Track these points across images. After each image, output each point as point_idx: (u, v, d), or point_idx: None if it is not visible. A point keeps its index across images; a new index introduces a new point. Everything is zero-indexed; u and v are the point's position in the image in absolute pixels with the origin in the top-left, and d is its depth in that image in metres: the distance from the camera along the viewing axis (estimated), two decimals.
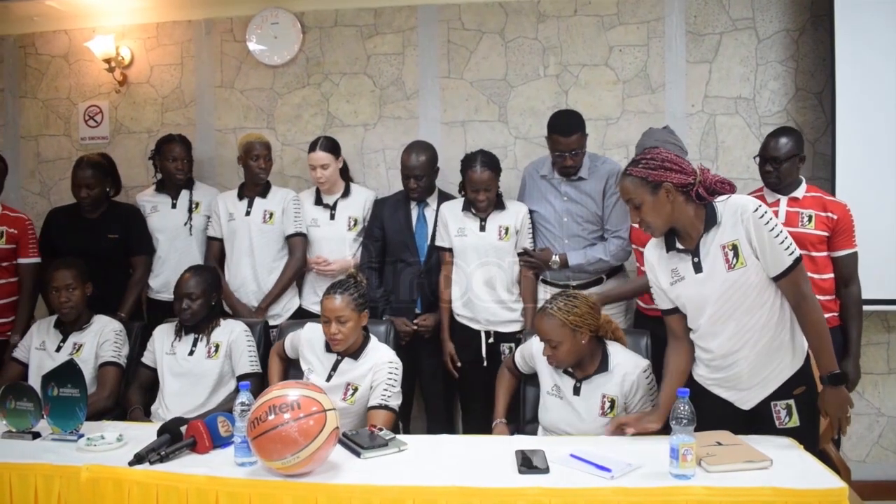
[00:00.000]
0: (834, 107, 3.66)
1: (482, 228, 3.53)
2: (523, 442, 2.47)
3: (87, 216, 3.76)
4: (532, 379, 2.96)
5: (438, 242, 3.62)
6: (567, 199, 3.53)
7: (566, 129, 3.43)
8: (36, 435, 2.60)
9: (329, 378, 2.89)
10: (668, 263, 2.51)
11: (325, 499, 2.12)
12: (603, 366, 2.72)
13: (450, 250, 3.58)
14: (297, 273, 3.84)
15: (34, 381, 3.15)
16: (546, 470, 2.18)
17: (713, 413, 2.45)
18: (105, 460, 2.34)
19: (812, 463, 2.24)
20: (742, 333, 2.42)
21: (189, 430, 2.42)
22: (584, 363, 2.73)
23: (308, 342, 3.01)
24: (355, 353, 2.91)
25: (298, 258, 3.83)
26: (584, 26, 4.06)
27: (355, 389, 2.85)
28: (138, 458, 2.28)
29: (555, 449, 2.33)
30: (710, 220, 2.39)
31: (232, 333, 3.21)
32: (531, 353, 2.90)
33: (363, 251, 3.79)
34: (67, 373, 2.64)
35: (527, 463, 2.22)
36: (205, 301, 3.19)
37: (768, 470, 2.14)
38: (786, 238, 2.34)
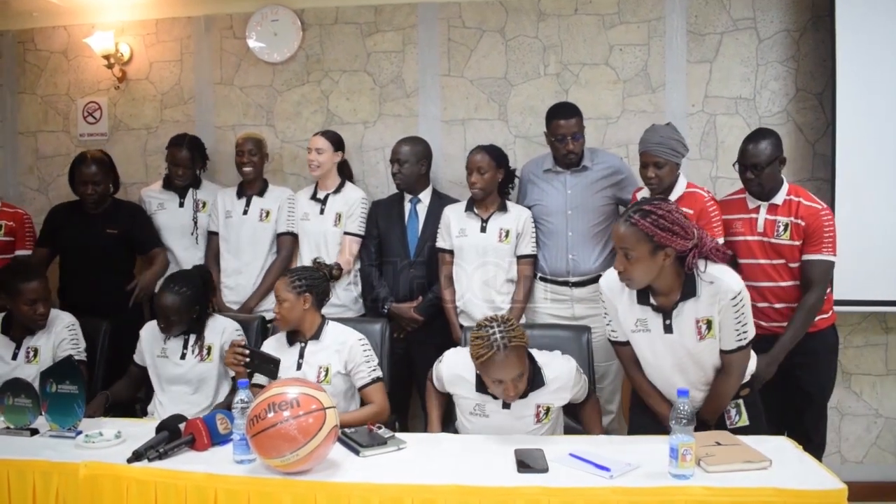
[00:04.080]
0: (834, 107, 3.65)
1: (483, 230, 3.55)
2: (522, 441, 2.46)
3: (89, 211, 3.76)
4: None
5: (439, 244, 3.65)
6: (572, 192, 3.54)
7: (566, 112, 3.51)
8: (34, 431, 2.60)
9: (299, 367, 2.91)
10: (634, 311, 2.53)
11: (324, 497, 2.13)
12: (538, 380, 2.62)
13: (450, 252, 3.60)
14: (282, 272, 3.84)
15: None
16: (545, 469, 2.18)
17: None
18: (103, 457, 2.34)
19: (811, 464, 2.25)
20: (691, 382, 2.54)
21: (188, 427, 2.42)
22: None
23: (270, 349, 2.97)
24: (315, 335, 2.96)
25: (285, 257, 3.88)
26: (584, 25, 4.05)
27: (327, 370, 2.89)
28: (137, 455, 2.28)
29: (554, 448, 2.33)
30: (689, 292, 2.42)
31: (224, 334, 3.16)
32: (441, 379, 2.82)
33: (363, 250, 3.84)
34: (65, 369, 2.63)
35: (526, 462, 2.22)
36: (186, 315, 3.06)
37: (767, 470, 2.14)
38: (745, 325, 2.44)
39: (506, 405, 2.64)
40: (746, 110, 3.94)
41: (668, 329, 2.47)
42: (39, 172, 4.57)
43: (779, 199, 3.12)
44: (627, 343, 2.63)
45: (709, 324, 2.43)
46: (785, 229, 3.08)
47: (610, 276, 2.58)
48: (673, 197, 3.23)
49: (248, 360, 2.78)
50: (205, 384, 3.11)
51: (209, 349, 3.13)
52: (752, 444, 2.29)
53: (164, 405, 3.09)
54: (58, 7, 4.44)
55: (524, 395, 2.60)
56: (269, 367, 2.78)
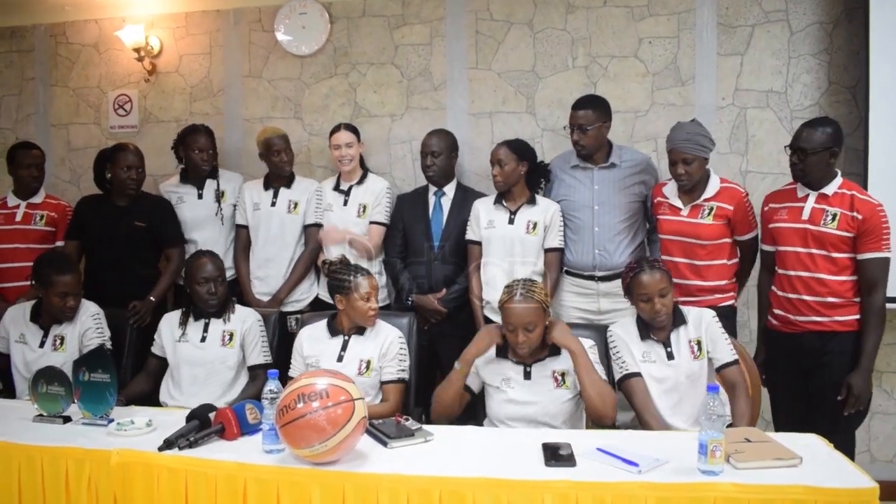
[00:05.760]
0: (867, 101, 3.59)
1: (511, 221, 3.55)
2: (549, 435, 2.46)
3: (117, 203, 3.80)
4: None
5: (468, 236, 3.66)
6: (599, 188, 3.53)
7: (580, 103, 3.54)
8: (67, 419, 2.64)
9: (340, 359, 2.96)
10: (641, 347, 2.89)
11: (352, 487, 2.14)
12: (555, 348, 2.81)
13: (479, 244, 3.61)
14: (312, 263, 3.92)
15: (18, 376, 3.20)
16: (573, 463, 2.18)
17: None
18: (135, 445, 2.37)
19: (842, 461, 2.22)
20: (693, 406, 2.82)
21: (217, 416, 2.45)
22: (537, 352, 2.81)
23: (308, 341, 3.05)
24: (361, 328, 3.01)
25: (313, 249, 3.90)
26: (613, 17, 4.02)
27: (368, 364, 2.95)
28: (167, 444, 2.31)
29: (581, 442, 2.32)
30: (679, 320, 2.89)
31: (245, 323, 3.23)
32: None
33: (388, 242, 3.86)
34: (98, 358, 2.67)
35: (553, 455, 2.22)
36: (224, 284, 3.24)
37: (798, 468, 2.12)
38: (729, 342, 2.88)
39: (527, 375, 2.79)
40: (778, 104, 3.89)
41: (670, 356, 2.85)
42: (71, 164, 4.64)
43: (829, 189, 3.04)
44: (638, 374, 2.85)
45: (699, 344, 2.85)
46: (833, 219, 2.99)
47: (617, 324, 3.01)
48: (708, 194, 3.24)
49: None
50: (222, 369, 3.16)
51: (231, 335, 3.19)
52: (783, 441, 2.27)
53: (178, 388, 3.16)
54: (89, 1, 4.50)
55: (541, 360, 2.81)
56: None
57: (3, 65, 4.74)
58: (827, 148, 3.01)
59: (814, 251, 3.03)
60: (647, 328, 2.88)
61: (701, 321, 2.87)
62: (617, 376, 2.88)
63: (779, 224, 3.13)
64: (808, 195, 3.08)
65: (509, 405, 2.80)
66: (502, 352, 2.84)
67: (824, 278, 3.02)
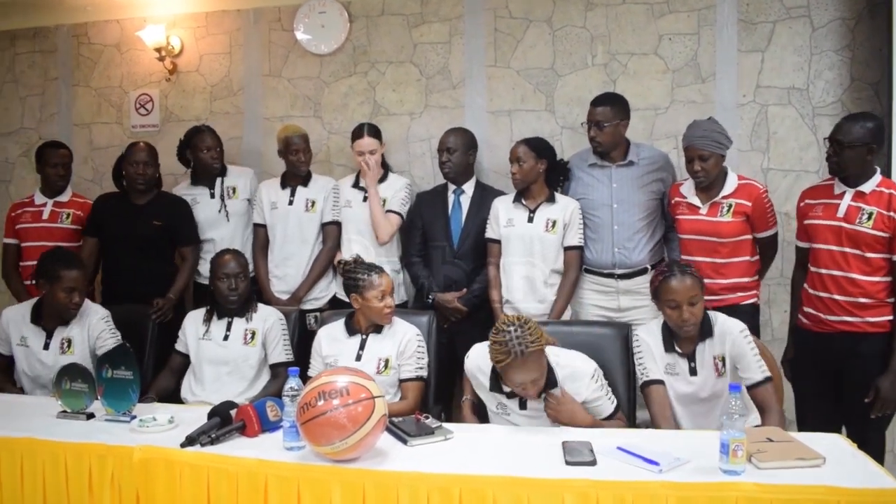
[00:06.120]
0: (891, 97, 3.55)
1: (530, 220, 3.54)
2: (569, 433, 2.45)
3: (135, 202, 3.83)
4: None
5: (488, 234, 3.65)
6: (617, 185, 3.52)
7: (597, 100, 3.53)
8: (90, 415, 2.67)
9: (358, 357, 2.97)
10: (665, 358, 2.78)
11: (372, 484, 2.14)
12: (552, 378, 2.60)
13: (498, 242, 3.60)
14: (330, 261, 3.92)
15: (24, 378, 3.20)
16: (593, 462, 2.17)
17: None
18: (157, 441, 2.39)
19: (866, 462, 2.19)
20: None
21: (239, 413, 2.46)
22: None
23: (327, 340, 3.06)
24: (379, 327, 3.01)
25: (331, 247, 3.90)
26: (632, 14, 4.00)
27: (386, 362, 2.96)
28: (189, 440, 2.33)
29: (601, 441, 2.31)
30: (706, 332, 2.72)
31: (267, 321, 3.25)
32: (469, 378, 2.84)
33: (408, 240, 3.87)
34: (121, 356, 2.69)
35: (574, 454, 2.21)
36: (247, 281, 3.26)
37: (821, 468, 2.10)
38: (759, 356, 2.69)
39: (523, 405, 2.65)
40: (799, 101, 3.85)
41: (693, 372, 2.73)
42: (93, 163, 4.69)
43: (867, 187, 2.97)
44: (660, 382, 2.75)
45: (724, 361, 2.70)
46: (869, 218, 2.92)
47: (643, 328, 2.88)
48: (727, 191, 3.21)
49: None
50: (244, 367, 3.18)
51: (253, 334, 3.21)
52: (806, 441, 2.25)
53: (201, 387, 3.17)
54: (110, 1, 4.55)
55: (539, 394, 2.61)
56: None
57: (26, 65, 4.80)
58: (865, 143, 2.93)
59: (847, 250, 2.98)
60: (673, 338, 2.75)
61: (726, 337, 2.68)
62: (639, 381, 2.81)
63: (813, 221, 3.08)
64: (844, 192, 3.01)
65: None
66: (495, 387, 2.66)
67: (857, 278, 2.97)
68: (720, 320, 2.73)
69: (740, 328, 2.70)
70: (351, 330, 3.04)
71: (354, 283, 2.99)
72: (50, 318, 3.18)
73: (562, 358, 2.67)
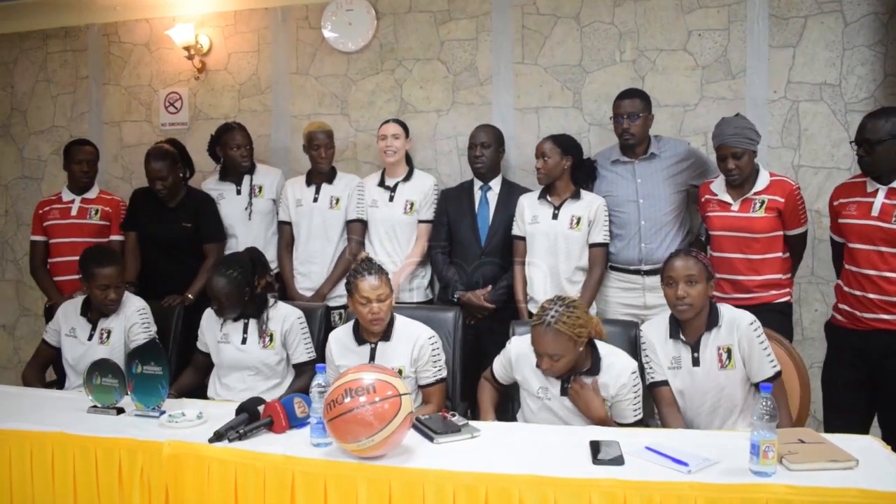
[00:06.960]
0: None
1: (555, 216, 3.52)
2: (596, 432, 2.44)
3: (167, 204, 3.88)
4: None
5: (514, 231, 3.65)
6: (642, 181, 3.51)
7: (627, 93, 3.56)
8: (120, 410, 2.69)
9: None
10: (669, 350, 2.76)
11: (398, 482, 2.14)
12: (594, 368, 2.65)
13: (524, 239, 3.60)
14: (354, 258, 3.89)
15: (68, 369, 3.29)
16: (621, 462, 2.15)
17: None
18: (186, 436, 2.41)
19: None
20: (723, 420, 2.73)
21: (266, 409, 2.47)
22: (575, 368, 2.66)
23: (337, 347, 2.97)
24: (386, 333, 2.91)
25: (356, 244, 3.91)
26: (661, 10, 3.96)
27: (400, 371, 2.82)
28: (217, 436, 2.34)
29: (629, 441, 2.29)
30: (713, 321, 2.70)
31: (286, 322, 3.15)
32: (510, 360, 2.84)
33: (433, 237, 3.87)
34: (151, 351, 2.72)
35: (601, 454, 2.20)
36: (237, 299, 3.07)
37: (853, 470, 2.06)
38: (770, 352, 2.66)
39: (563, 391, 2.67)
40: (831, 97, 3.79)
41: (695, 362, 2.70)
42: (123, 161, 4.75)
43: None
44: (666, 382, 2.75)
45: (729, 352, 2.67)
46: None
47: (649, 323, 2.88)
48: (759, 187, 3.18)
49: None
50: (265, 368, 3.14)
51: (271, 336, 3.15)
52: (838, 443, 2.21)
53: (226, 388, 3.16)
54: (140, 1, 4.58)
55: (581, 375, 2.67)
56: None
57: (57, 64, 4.87)
58: (895, 137, 2.87)
59: (883, 249, 2.92)
60: (678, 326, 2.74)
61: (734, 328, 2.66)
62: (647, 380, 2.79)
63: (847, 220, 3.02)
64: (877, 190, 2.96)
65: (544, 413, 2.73)
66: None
67: (894, 277, 2.92)
68: (729, 312, 2.72)
69: (750, 320, 2.67)
70: (360, 339, 2.93)
71: (347, 286, 2.91)
72: (95, 310, 3.28)
73: (610, 353, 2.71)
